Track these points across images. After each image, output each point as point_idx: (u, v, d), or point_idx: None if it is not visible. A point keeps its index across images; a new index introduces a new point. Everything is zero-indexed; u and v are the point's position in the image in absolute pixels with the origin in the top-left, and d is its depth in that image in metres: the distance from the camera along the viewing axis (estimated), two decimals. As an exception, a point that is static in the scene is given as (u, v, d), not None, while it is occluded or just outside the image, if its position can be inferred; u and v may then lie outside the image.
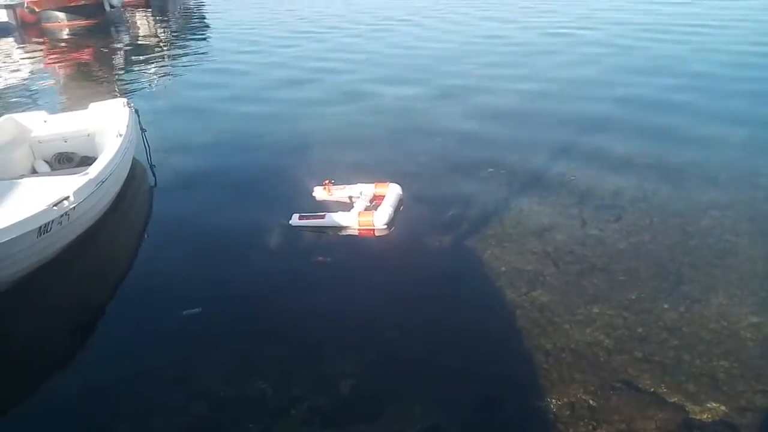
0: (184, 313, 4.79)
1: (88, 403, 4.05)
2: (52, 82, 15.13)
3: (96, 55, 18.20)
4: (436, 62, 13.10)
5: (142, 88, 12.85)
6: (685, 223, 5.70)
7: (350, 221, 5.98)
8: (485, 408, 3.78)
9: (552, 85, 10.67)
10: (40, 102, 11.90)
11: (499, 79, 11.19)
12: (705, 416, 3.56)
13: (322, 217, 6.05)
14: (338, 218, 6.01)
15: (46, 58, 18.12)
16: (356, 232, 5.97)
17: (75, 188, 5.41)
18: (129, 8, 28.12)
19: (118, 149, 6.55)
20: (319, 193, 6.64)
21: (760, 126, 8.14)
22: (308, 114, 9.94)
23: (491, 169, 7.19)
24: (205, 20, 25.27)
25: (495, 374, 4.03)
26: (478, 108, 9.73)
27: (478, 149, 7.88)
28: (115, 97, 8.36)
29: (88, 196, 5.62)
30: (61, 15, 23.22)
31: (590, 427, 3.54)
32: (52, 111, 8.57)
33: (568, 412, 3.65)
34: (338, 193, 6.57)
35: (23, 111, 9.31)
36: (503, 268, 5.16)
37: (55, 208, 5.08)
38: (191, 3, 32.17)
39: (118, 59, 17.66)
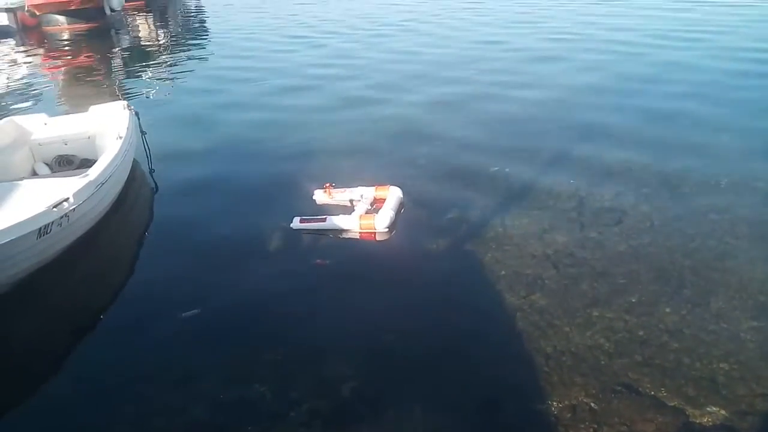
0: (183, 314, 4.80)
1: (88, 404, 4.05)
2: (52, 85, 15.14)
3: (96, 58, 18.22)
4: (435, 68, 13.11)
5: (142, 91, 12.84)
6: (685, 226, 5.71)
7: (352, 224, 5.98)
8: (486, 411, 3.78)
9: (552, 91, 10.66)
10: (40, 105, 11.89)
11: (498, 85, 11.19)
12: (705, 420, 3.57)
13: (324, 220, 6.05)
14: (339, 221, 6.01)
15: (47, 62, 18.13)
16: (357, 235, 5.97)
17: (75, 190, 5.41)
18: (129, 12, 28.16)
19: (118, 151, 6.55)
20: (320, 196, 6.64)
21: (759, 131, 8.15)
22: (308, 119, 9.93)
23: (495, 168, 7.22)
24: (205, 24, 25.30)
25: (495, 377, 4.03)
26: (478, 113, 9.73)
27: (477, 153, 7.88)
28: (116, 99, 8.36)
29: (88, 197, 5.62)
30: (61, 18, 23.21)
31: (591, 430, 3.54)
32: (53, 113, 8.59)
33: (568, 415, 3.65)
34: (339, 196, 6.57)
35: (23, 113, 9.30)
36: (503, 272, 5.16)
37: (55, 209, 5.08)
38: (191, 7, 32.22)
39: (118, 63, 17.67)
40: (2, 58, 18.85)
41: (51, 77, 15.99)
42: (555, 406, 3.72)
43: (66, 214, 5.23)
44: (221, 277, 5.40)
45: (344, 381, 4.01)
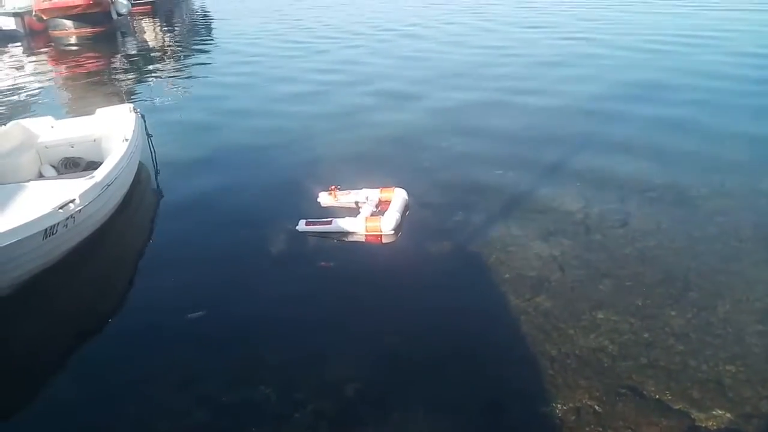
0: (188, 316, 4.81)
1: (92, 406, 4.05)
2: (58, 88, 15.24)
3: (102, 62, 18.33)
4: (438, 73, 13.12)
5: (148, 95, 12.91)
6: (691, 229, 5.69)
7: (357, 227, 5.98)
8: (490, 413, 3.77)
9: (557, 96, 10.66)
10: (46, 107, 11.93)
11: (503, 91, 11.19)
12: (710, 423, 3.55)
13: (329, 222, 6.05)
14: (345, 224, 6.01)
15: (54, 65, 18.26)
16: (363, 238, 5.96)
17: (81, 191, 5.43)
18: (136, 16, 28.30)
19: (124, 154, 6.58)
20: (325, 198, 6.63)
21: (763, 135, 8.13)
22: (313, 124, 9.93)
23: (500, 172, 7.22)
24: (211, 28, 25.43)
25: (500, 379, 4.02)
26: (482, 117, 9.73)
27: (482, 156, 7.88)
28: (122, 102, 8.40)
29: (94, 199, 5.64)
30: (68, 23, 23.36)
31: (595, 432, 3.53)
32: (59, 116, 8.62)
33: (573, 418, 3.63)
34: (344, 198, 6.57)
35: (30, 116, 9.36)
36: (508, 274, 5.16)
37: (60, 210, 5.10)
38: (197, 11, 32.40)
39: (125, 67, 17.76)
40: (10, 61, 18.99)
41: (58, 81, 16.09)
42: (559, 408, 3.70)
43: (72, 216, 5.25)
44: (226, 279, 5.40)
45: (349, 383, 4.00)
